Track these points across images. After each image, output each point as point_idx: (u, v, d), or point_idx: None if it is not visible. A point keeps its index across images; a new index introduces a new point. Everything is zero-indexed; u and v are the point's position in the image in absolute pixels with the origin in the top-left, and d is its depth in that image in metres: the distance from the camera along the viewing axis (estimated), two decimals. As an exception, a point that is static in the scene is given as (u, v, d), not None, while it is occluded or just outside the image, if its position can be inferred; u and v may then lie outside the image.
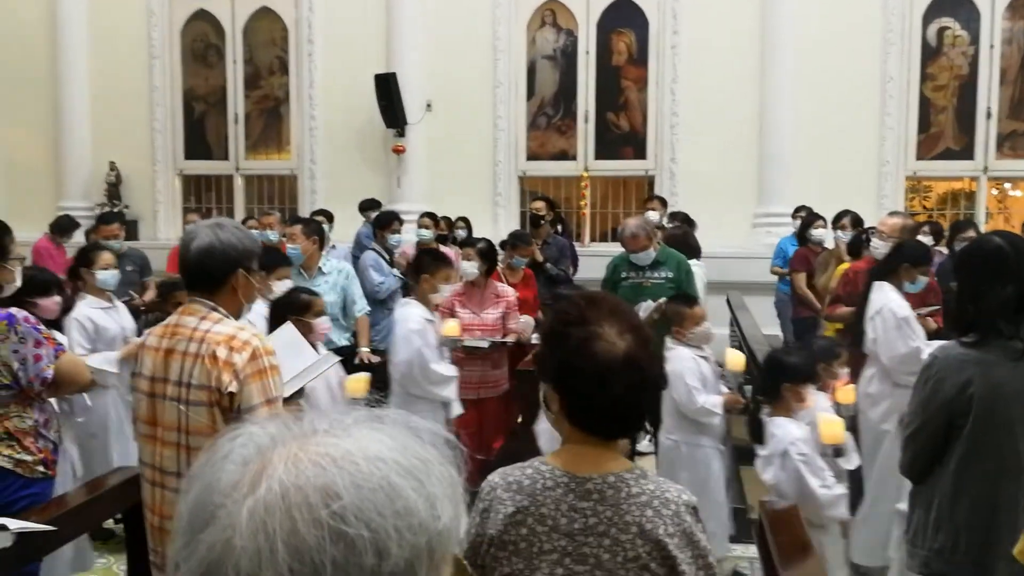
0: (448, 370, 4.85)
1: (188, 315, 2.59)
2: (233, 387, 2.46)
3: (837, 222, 7.04)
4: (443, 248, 7.60)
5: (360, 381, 4.27)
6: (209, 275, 2.58)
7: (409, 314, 4.85)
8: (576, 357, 1.69)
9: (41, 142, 11.00)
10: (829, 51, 9.13)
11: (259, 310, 4.31)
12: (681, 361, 4.34)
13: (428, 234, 7.58)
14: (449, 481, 0.77)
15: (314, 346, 4.33)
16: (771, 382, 3.72)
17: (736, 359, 4.63)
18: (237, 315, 2.65)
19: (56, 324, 4.14)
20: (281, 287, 4.77)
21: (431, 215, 7.86)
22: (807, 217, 7.57)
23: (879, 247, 5.09)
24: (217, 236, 2.57)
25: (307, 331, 4.19)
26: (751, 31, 9.27)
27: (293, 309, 4.24)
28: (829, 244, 7.16)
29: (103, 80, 10.72)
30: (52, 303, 4.10)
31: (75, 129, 10.80)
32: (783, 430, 3.54)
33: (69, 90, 10.74)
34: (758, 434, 3.75)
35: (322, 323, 4.34)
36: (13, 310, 3.23)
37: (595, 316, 1.72)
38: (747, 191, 9.38)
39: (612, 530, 1.68)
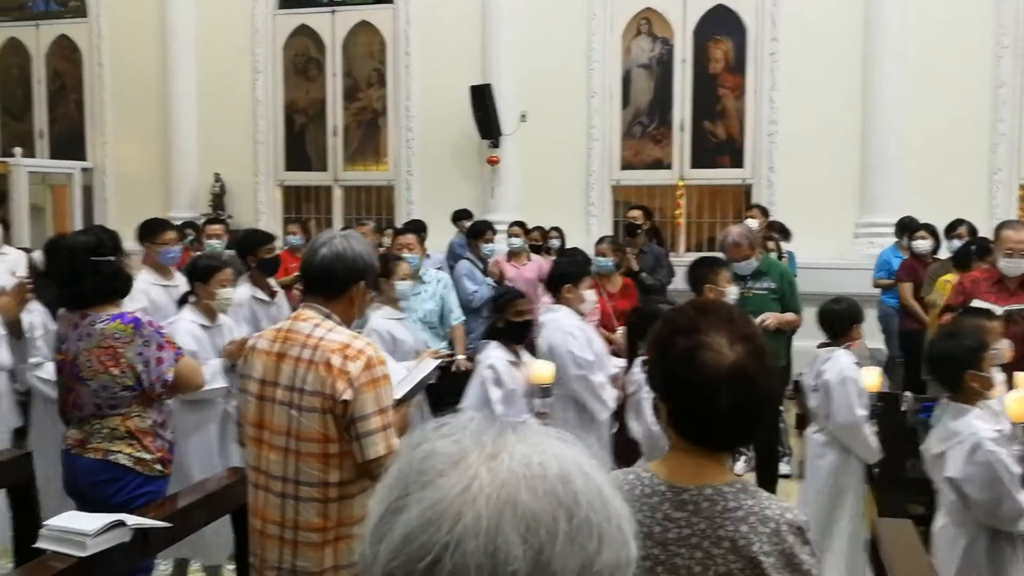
0: None
1: (302, 321, 2.61)
2: (347, 395, 2.47)
3: (951, 231, 6.77)
4: (535, 257, 7.65)
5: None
6: (333, 281, 2.62)
7: None
8: (680, 366, 1.63)
9: (151, 156, 11.49)
10: (937, 55, 8.77)
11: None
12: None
13: (519, 243, 7.59)
14: (628, 520, 0.76)
15: None
16: None
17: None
18: (348, 325, 2.67)
19: None
20: (591, 296, 4.65)
21: (521, 224, 7.88)
22: (912, 226, 7.31)
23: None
24: (349, 244, 2.62)
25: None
26: (853, 36, 8.99)
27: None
28: (941, 254, 6.90)
29: (209, 96, 11.14)
30: None
31: (183, 143, 11.25)
32: None
33: (177, 106, 11.19)
34: None
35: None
36: (139, 314, 3.35)
37: (705, 325, 1.65)
38: (848, 200, 9.09)
39: (704, 543, 1.63)
